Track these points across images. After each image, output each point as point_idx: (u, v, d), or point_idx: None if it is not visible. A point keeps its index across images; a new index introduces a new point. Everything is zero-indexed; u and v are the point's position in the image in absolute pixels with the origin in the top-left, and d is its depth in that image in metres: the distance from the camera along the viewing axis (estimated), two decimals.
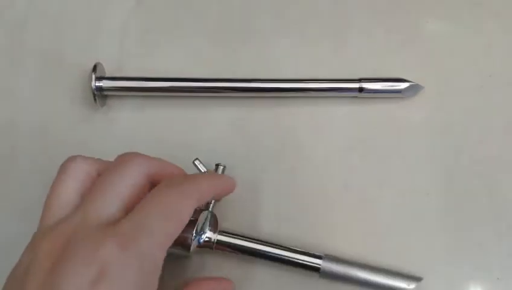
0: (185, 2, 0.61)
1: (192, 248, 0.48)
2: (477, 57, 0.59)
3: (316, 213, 0.54)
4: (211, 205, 0.51)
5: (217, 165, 0.52)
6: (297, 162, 0.56)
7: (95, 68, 0.55)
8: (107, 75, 0.57)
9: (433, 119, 0.57)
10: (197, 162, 0.51)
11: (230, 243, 0.50)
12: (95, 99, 0.55)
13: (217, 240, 0.50)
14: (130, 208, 0.41)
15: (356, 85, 0.56)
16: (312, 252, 0.50)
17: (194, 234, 0.48)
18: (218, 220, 0.51)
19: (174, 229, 0.41)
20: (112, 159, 0.44)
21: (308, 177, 0.55)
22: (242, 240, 0.51)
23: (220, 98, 0.58)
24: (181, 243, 0.48)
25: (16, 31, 0.61)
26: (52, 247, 0.38)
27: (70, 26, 0.61)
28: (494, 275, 0.52)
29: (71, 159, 0.43)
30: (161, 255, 0.40)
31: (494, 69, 0.58)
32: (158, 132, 0.55)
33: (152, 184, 0.44)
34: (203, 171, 0.50)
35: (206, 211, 0.50)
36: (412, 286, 0.50)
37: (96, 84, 0.54)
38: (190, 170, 0.49)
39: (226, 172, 0.52)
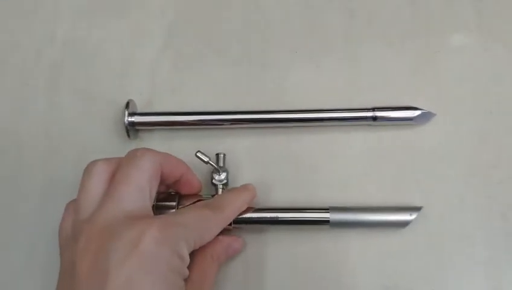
0: (207, 41, 0.65)
1: None
2: (487, 84, 0.60)
3: None
4: (220, 189, 0.55)
5: (218, 155, 0.56)
6: (314, 189, 0.57)
7: (127, 105, 0.59)
8: (139, 110, 0.61)
9: (445, 144, 0.58)
10: (199, 154, 0.53)
11: (246, 217, 0.53)
12: (128, 134, 0.59)
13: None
14: (151, 197, 0.46)
15: (370, 114, 0.57)
16: (318, 207, 0.53)
17: None
18: None
19: (201, 237, 0.47)
20: None
21: (325, 202, 0.55)
22: (256, 212, 0.53)
23: (240, 129, 0.60)
24: None
25: (54, 70, 0.64)
26: (90, 237, 0.42)
27: (104, 65, 0.64)
28: None
29: (93, 162, 0.47)
30: (188, 250, 0.44)
31: (503, 95, 0.60)
32: (185, 160, 0.55)
33: (163, 178, 0.49)
34: (205, 160, 0.53)
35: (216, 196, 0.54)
36: (414, 215, 0.52)
37: (129, 119, 0.59)
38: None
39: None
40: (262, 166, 0.58)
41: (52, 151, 0.61)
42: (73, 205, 0.47)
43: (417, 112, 0.57)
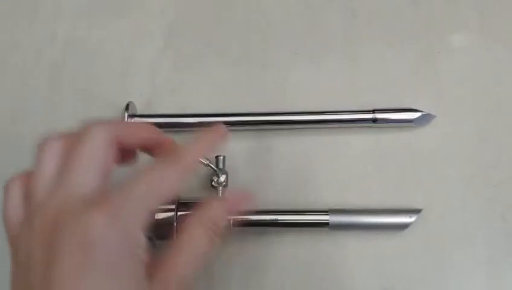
0: (207, 41, 0.65)
1: None
2: (487, 84, 0.60)
3: None
4: (220, 191, 0.55)
5: (217, 157, 0.56)
6: (313, 191, 0.57)
7: (127, 107, 0.59)
8: (139, 111, 0.61)
9: (445, 145, 0.58)
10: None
11: (246, 220, 0.53)
12: None
13: (233, 220, 0.52)
14: (107, 173, 0.43)
15: (370, 116, 0.57)
16: (318, 209, 0.53)
17: None
18: None
19: (157, 199, 0.42)
20: None
21: (325, 204, 0.55)
22: (256, 215, 0.53)
23: (240, 131, 0.60)
24: None
25: (54, 70, 0.64)
26: (44, 225, 0.40)
27: (104, 65, 0.64)
28: None
29: (45, 139, 0.44)
30: (142, 225, 0.41)
31: (504, 95, 0.60)
32: None
33: (124, 147, 0.45)
34: (205, 163, 0.53)
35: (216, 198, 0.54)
36: (414, 217, 0.52)
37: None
38: None
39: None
40: (262, 168, 0.58)
41: None
42: (20, 186, 0.44)
43: (417, 114, 0.57)
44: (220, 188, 0.54)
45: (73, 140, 0.43)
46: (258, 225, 0.54)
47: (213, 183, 0.54)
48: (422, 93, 0.60)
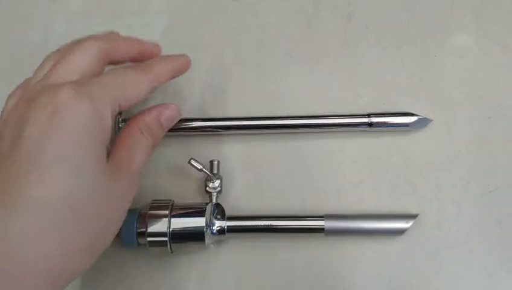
0: (201, 45, 0.63)
1: (207, 240, 0.51)
2: (484, 89, 0.59)
3: None
4: (214, 197, 0.54)
5: (211, 161, 0.56)
6: (309, 195, 0.57)
7: (120, 112, 0.55)
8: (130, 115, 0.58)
9: (441, 150, 0.57)
10: (192, 161, 0.53)
11: (240, 225, 0.53)
12: None
13: (227, 226, 0.52)
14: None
15: (365, 120, 0.56)
16: (313, 215, 0.53)
17: (205, 227, 0.51)
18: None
19: (125, 94, 0.46)
20: None
21: (320, 209, 0.55)
22: (250, 220, 0.53)
23: (234, 135, 0.59)
24: (196, 237, 0.51)
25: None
26: (18, 107, 0.44)
27: None
28: None
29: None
30: (109, 110, 0.44)
31: (501, 100, 0.59)
32: (178, 167, 0.58)
33: (113, 61, 0.50)
34: (199, 168, 0.53)
35: (210, 203, 0.53)
36: (410, 223, 0.51)
37: (120, 125, 0.57)
38: None
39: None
40: (257, 173, 0.58)
41: None
42: (18, 93, 0.48)
43: (414, 118, 0.56)
44: (215, 193, 0.54)
45: (66, 51, 0.47)
46: (252, 231, 0.53)
47: (207, 188, 0.54)
48: (419, 98, 0.59)
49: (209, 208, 0.52)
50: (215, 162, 0.55)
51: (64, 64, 0.45)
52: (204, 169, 0.53)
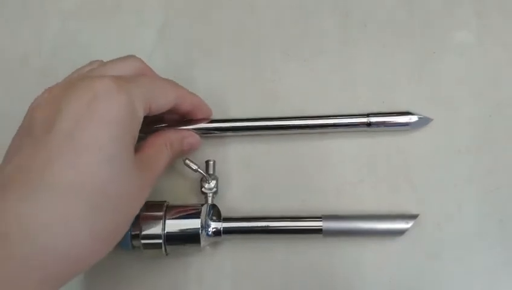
0: (198, 44, 0.63)
1: (202, 242, 0.50)
2: (486, 87, 0.58)
3: None
4: (210, 197, 0.53)
5: (207, 162, 0.55)
6: (307, 195, 0.56)
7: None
8: None
9: (442, 149, 0.57)
10: (187, 161, 0.53)
11: (236, 227, 0.52)
12: None
13: (223, 227, 0.52)
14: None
15: (364, 120, 0.55)
16: (311, 215, 0.53)
17: (200, 229, 0.50)
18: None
19: (156, 99, 0.48)
20: None
21: (319, 210, 0.54)
22: (246, 221, 0.53)
23: (231, 136, 0.59)
24: (191, 239, 0.50)
25: (42, 78, 0.60)
26: (54, 92, 0.45)
27: None
28: None
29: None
30: (142, 108, 0.46)
31: (503, 98, 0.58)
32: (174, 168, 0.57)
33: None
34: (194, 168, 0.53)
35: (206, 205, 0.53)
36: (410, 223, 0.51)
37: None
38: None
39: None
40: (254, 173, 0.57)
41: None
42: None
43: (414, 118, 0.55)
44: (210, 194, 0.53)
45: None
46: (249, 232, 0.53)
47: (203, 189, 0.53)
48: (419, 96, 0.58)
49: (204, 209, 0.52)
50: (211, 163, 0.55)
51: (107, 65, 0.48)
52: (199, 169, 0.52)
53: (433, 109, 0.57)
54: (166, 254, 0.51)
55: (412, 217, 0.52)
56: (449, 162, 0.56)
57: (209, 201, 0.53)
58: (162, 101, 0.49)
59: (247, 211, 0.55)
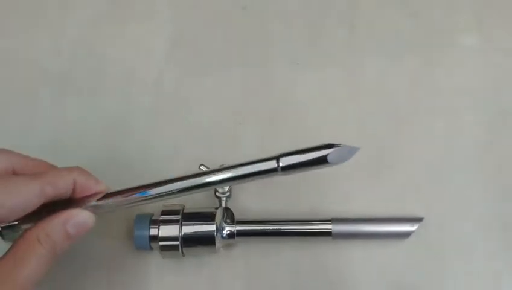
0: (208, 54, 0.63)
1: (217, 244, 0.52)
2: (489, 93, 0.60)
3: None
4: (224, 201, 0.55)
5: (221, 166, 0.53)
6: (316, 200, 0.57)
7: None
8: (144, 123, 0.61)
9: (447, 153, 0.58)
10: (202, 167, 0.52)
11: (249, 229, 0.54)
12: None
13: (237, 230, 0.54)
14: None
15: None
16: (321, 218, 0.54)
17: (215, 232, 0.52)
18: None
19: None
20: None
21: (327, 213, 0.55)
22: (259, 224, 0.54)
23: None
24: (207, 241, 0.52)
25: (59, 84, 0.63)
26: None
27: (109, 80, 0.63)
28: None
29: None
30: None
31: (506, 105, 0.59)
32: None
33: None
34: None
35: (220, 208, 0.54)
36: (415, 226, 0.52)
37: None
38: None
39: None
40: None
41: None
42: None
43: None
44: (224, 197, 0.55)
45: None
46: (260, 235, 0.54)
47: (217, 193, 0.55)
48: (422, 103, 0.59)
49: (219, 213, 0.53)
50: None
51: None
52: None
53: (437, 115, 0.59)
54: (183, 255, 0.52)
55: (417, 219, 0.53)
56: (454, 167, 0.57)
57: (223, 204, 0.55)
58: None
59: (257, 214, 0.57)
